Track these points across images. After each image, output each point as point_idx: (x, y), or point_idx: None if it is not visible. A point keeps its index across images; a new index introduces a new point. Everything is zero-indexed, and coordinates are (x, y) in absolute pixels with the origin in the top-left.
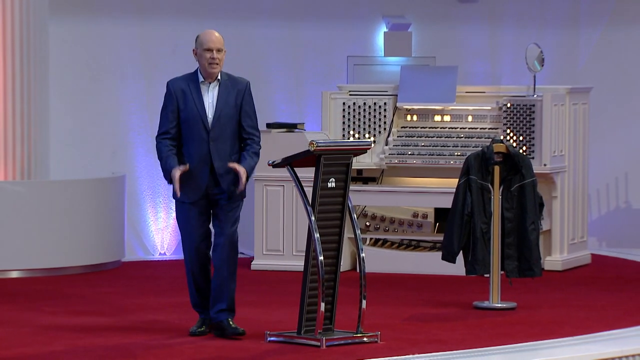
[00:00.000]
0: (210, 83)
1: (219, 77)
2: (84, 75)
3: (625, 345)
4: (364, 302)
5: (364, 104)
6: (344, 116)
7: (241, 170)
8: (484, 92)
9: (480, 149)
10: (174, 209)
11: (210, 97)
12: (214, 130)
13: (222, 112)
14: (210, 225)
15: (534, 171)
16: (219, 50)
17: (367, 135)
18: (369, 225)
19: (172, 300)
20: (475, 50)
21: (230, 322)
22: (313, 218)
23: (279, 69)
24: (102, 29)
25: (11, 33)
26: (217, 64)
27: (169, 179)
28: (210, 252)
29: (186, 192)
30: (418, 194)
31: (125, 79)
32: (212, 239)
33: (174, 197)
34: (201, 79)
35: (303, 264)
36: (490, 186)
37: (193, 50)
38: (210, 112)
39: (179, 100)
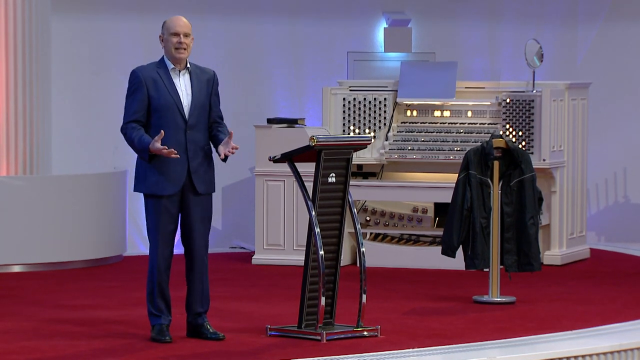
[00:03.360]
0: (180, 70)
1: (188, 65)
2: (86, 71)
3: (624, 339)
4: (364, 296)
5: (364, 99)
6: (344, 111)
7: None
8: (484, 88)
9: (479, 144)
10: (145, 205)
11: (182, 85)
12: (191, 118)
13: (199, 101)
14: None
15: (533, 166)
16: (186, 35)
17: (367, 131)
18: (369, 220)
19: (173, 295)
20: (474, 46)
21: (209, 327)
22: (313, 213)
23: (280, 64)
24: (104, 25)
25: (13, 29)
26: (185, 49)
27: (148, 156)
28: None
29: (162, 184)
30: (418, 189)
31: (127, 75)
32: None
33: (140, 190)
34: (170, 66)
35: (303, 259)
36: (489, 181)
37: (159, 36)
38: (185, 100)
39: (150, 88)
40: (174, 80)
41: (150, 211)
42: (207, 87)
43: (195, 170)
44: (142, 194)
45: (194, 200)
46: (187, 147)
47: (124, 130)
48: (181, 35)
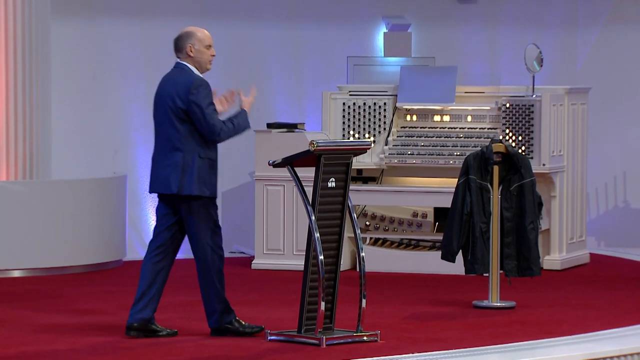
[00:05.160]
0: None
1: None
2: (85, 75)
3: (624, 344)
4: (363, 301)
5: (364, 104)
6: (344, 116)
7: None
8: (483, 93)
9: (479, 148)
10: (200, 207)
11: None
12: None
13: None
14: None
15: (533, 171)
16: None
17: (367, 135)
18: (369, 224)
19: (173, 299)
20: (474, 51)
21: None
22: (313, 217)
23: (280, 69)
24: (104, 29)
25: (13, 33)
26: None
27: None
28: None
29: (215, 186)
30: (418, 194)
31: (127, 79)
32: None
33: (208, 194)
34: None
35: (303, 264)
36: (489, 186)
37: (189, 46)
38: None
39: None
40: None
41: (211, 212)
42: None
43: None
44: (188, 197)
45: None
46: None
47: (223, 128)
48: (212, 48)
